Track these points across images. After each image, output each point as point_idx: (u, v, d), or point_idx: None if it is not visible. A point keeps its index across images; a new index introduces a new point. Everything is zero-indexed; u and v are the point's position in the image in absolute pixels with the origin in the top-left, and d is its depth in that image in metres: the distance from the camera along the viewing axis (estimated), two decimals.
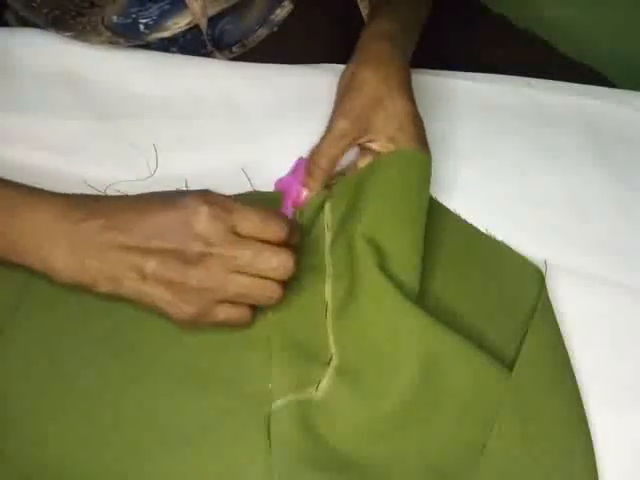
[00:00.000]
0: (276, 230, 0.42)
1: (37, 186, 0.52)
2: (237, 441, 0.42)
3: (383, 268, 0.45)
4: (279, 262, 0.42)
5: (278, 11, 0.70)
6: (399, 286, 0.45)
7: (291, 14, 0.71)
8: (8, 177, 0.52)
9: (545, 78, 0.65)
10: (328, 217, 0.51)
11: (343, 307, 0.46)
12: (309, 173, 0.51)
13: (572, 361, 0.46)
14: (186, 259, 0.41)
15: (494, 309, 0.49)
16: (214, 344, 0.45)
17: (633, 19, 1.06)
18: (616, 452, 0.43)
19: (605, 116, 0.62)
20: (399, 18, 0.56)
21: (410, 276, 0.46)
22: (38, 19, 0.59)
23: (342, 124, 0.50)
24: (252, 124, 0.58)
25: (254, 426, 0.42)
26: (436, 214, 0.52)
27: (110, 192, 0.52)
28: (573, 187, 0.57)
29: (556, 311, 0.48)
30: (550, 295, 0.49)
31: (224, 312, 0.42)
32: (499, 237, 0.52)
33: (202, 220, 0.41)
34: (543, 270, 0.50)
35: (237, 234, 0.41)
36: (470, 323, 0.47)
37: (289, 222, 0.43)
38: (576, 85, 0.64)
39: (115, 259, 0.41)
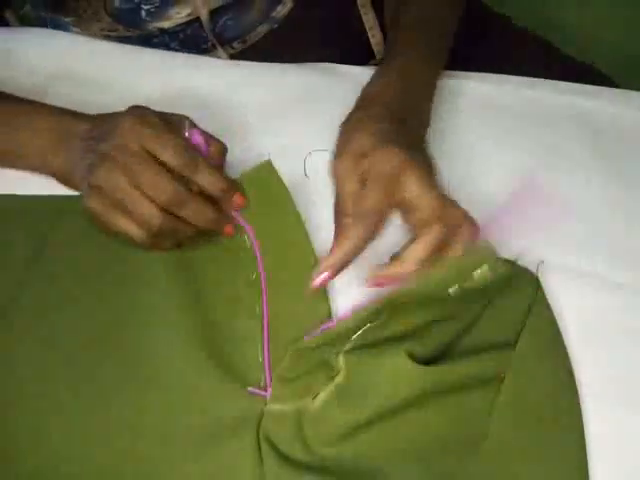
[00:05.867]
0: (176, 159, 0.45)
1: (38, 185, 0.52)
2: (229, 440, 0.42)
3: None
4: (168, 191, 0.45)
5: (279, 8, 0.70)
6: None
7: (291, 11, 0.71)
8: (8, 176, 0.53)
9: (545, 78, 0.65)
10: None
11: (367, 347, 0.45)
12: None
13: (571, 361, 0.46)
14: (104, 159, 0.46)
15: (488, 310, 0.48)
16: (206, 345, 0.46)
17: (634, 19, 1.06)
18: (616, 452, 0.43)
19: (605, 116, 0.62)
20: (411, 65, 0.55)
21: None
22: (38, 4, 0.59)
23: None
24: (251, 124, 0.58)
25: (246, 425, 0.43)
26: None
27: None
28: (573, 187, 0.57)
29: (555, 311, 0.48)
30: (549, 295, 0.49)
31: (116, 219, 0.46)
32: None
33: (123, 130, 0.46)
34: (540, 270, 0.50)
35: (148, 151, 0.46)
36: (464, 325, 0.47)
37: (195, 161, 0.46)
38: (576, 85, 0.64)
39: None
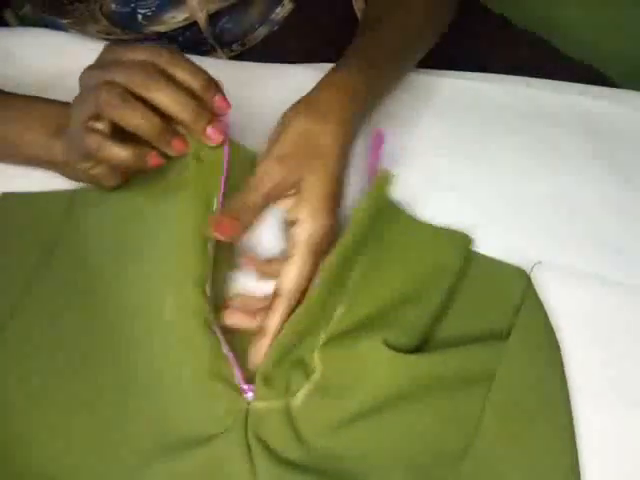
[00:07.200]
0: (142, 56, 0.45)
1: (39, 185, 0.52)
2: (217, 438, 0.42)
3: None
4: (140, 73, 0.44)
5: (278, 10, 0.70)
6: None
7: (291, 13, 0.71)
8: (8, 175, 0.53)
9: (545, 78, 0.65)
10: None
11: (340, 337, 0.45)
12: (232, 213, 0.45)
13: (570, 361, 0.46)
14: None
15: (475, 310, 0.48)
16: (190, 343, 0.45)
17: (634, 19, 1.06)
18: (615, 451, 0.43)
19: (605, 116, 0.62)
20: (370, 63, 0.52)
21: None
22: (36, 7, 0.60)
23: (271, 167, 0.46)
24: (251, 124, 0.58)
25: (233, 421, 0.43)
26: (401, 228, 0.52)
27: None
28: (573, 187, 0.57)
29: (555, 311, 0.48)
30: (548, 295, 0.49)
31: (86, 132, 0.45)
32: (497, 237, 0.52)
33: (101, 53, 0.48)
34: (536, 270, 0.50)
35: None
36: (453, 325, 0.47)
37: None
38: (576, 85, 0.64)
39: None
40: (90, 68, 0.47)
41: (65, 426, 0.43)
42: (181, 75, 0.44)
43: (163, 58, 0.44)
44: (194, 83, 0.45)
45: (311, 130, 0.46)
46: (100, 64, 0.47)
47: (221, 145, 0.47)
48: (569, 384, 0.45)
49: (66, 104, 0.51)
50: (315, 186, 0.45)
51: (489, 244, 0.52)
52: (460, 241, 0.51)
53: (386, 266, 0.48)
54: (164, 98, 0.43)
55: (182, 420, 0.43)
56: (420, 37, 0.59)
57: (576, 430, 0.44)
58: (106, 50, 0.47)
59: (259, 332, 0.45)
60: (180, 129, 0.46)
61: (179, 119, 0.45)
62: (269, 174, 0.45)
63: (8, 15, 0.67)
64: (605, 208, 0.55)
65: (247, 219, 0.45)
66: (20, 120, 0.51)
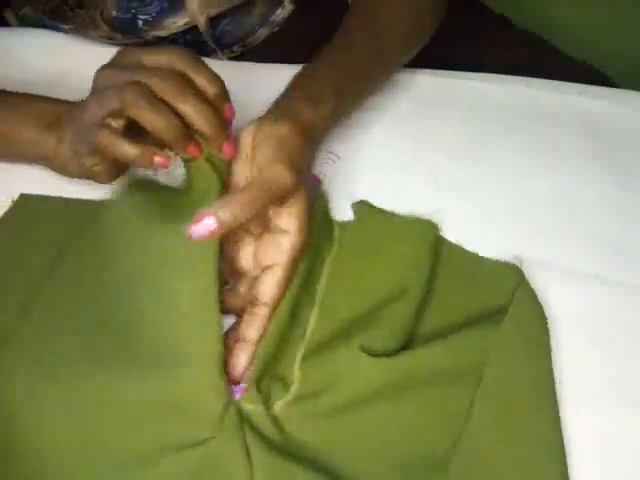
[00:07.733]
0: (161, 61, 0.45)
1: (40, 185, 0.52)
2: (212, 434, 0.42)
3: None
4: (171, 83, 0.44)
5: (279, 11, 0.70)
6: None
7: (292, 14, 0.71)
8: (9, 175, 0.53)
9: (545, 78, 0.65)
10: (334, 252, 0.50)
11: (318, 348, 0.45)
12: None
13: (570, 362, 0.46)
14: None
15: (466, 309, 0.48)
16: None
17: (634, 19, 1.07)
18: (615, 451, 0.43)
19: (605, 116, 0.62)
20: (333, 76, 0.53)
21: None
22: (36, 10, 0.60)
23: (281, 172, 0.45)
24: None
25: (229, 420, 0.43)
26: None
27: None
28: (572, 187, 0.57)
29: (555, 311, 0.48)
30: (548, 295, 0.49)
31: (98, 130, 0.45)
32: (496, 238, 0.52)
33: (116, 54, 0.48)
34: (527, 269, 0.50)
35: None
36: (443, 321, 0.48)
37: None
38: (576, 85, 0.64)
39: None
40: (107, 68, 0.47)
41: (67, 426, 0.43)
42: (199, 80, 0.45)
43: (184, 62, 0.45)
44: (210, 90, 0.46)
45: (304, 151, 0.47)
46: (121, 65, 0.46)
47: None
48: (569, 384, 0.45)
49: (60, 101, 0.51)
50: (303, 203, 0.46)
51: (489, 244, 0.52)
52: (426, 229, 0.50)
53: (355, 270, 0.48)
54: (190, 110, 0.44)
55: (184, 418, 0.43)
56: (411, 36, 0.60)
57: (576, 430, 0.44)
58: (124, 51, 0.47)
59: (238, 339, 0.45)
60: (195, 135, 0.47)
61: (199, 131, 0.45)
62: (280, 177, 0.44)
63: (8, 15, 0.67)
64: (605, 208, 0.55)
65: (241, 214, 0.43)
66: (15, 117, 0.51)
